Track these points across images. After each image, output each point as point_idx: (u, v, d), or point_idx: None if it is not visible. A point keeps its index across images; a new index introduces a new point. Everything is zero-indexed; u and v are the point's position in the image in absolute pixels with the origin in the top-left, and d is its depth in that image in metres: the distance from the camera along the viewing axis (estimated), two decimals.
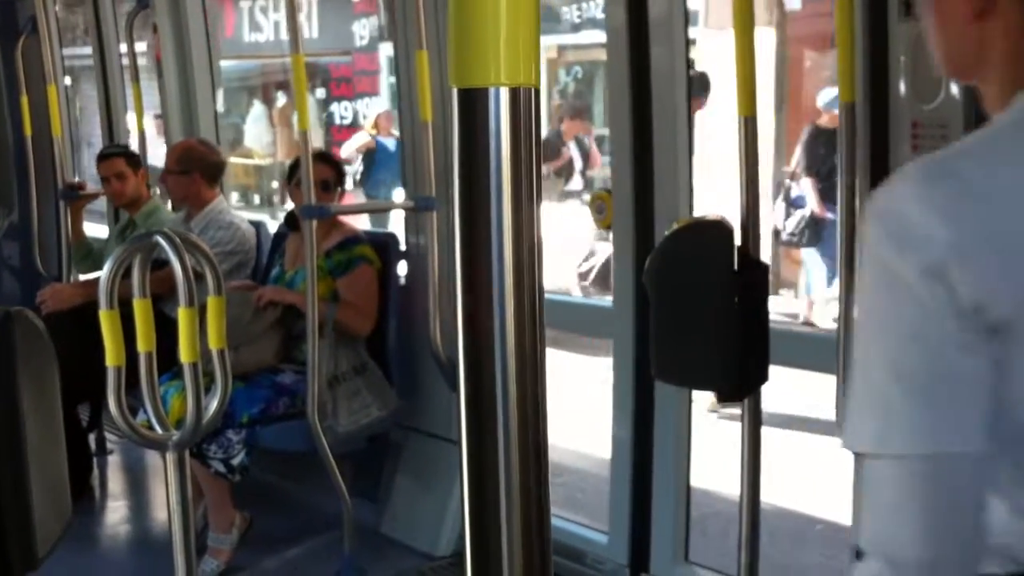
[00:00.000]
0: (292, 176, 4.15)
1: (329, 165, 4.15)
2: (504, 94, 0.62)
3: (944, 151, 1.13)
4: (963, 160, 1.11)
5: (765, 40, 8.77)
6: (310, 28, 12.90)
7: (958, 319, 1.01)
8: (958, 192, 1.06)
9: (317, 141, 12.68)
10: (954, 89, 2.43)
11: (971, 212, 1.05)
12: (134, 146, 5.34)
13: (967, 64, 1.19)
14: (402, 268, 4.29)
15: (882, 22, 2.60)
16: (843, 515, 3.15)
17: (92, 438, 5.20)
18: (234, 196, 6.89)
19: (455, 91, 0.63)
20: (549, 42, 12.08)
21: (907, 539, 1.05)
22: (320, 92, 13.11)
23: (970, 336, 1.02)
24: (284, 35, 12.78)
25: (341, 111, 12.95)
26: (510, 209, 0.63)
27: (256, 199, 12.62)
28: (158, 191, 5.16)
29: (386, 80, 12.42)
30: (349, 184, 12.15)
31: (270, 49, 13.01)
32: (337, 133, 12.79)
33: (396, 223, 5.21)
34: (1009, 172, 1.08)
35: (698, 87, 7.06)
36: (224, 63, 8.68)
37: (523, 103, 0.63)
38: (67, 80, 6.14)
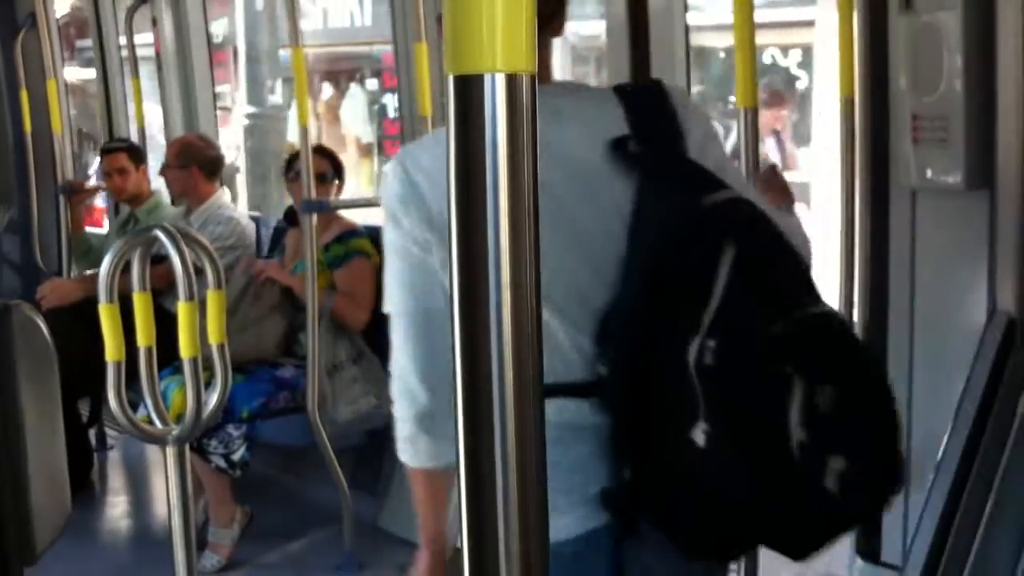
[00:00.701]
0: (289, 170, 4.15)
1: (326, 158, 4.15)
2: (500, 80, 0.62)
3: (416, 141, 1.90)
4: (416, 147, 1.84)
5: None
6: (362, 15, 12.39)
7: (411, 241, 1.71)
8: (409, 167, 1.72)
9: (368, 136, 12.28)
10: (955, 82, 2.43)
11: (412, 180, 1.71)
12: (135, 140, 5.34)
13: None
14: None
15: (882, 15, 2.59)
16: None
17: (92, 433, 5.19)
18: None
19: (451, 78, 0.63)
20: None
21: (409, 370, 1.75)
22: (372, 83, 12.56)
23: (416, 246, 1.70)
24: (332, 23, 12.34)
25: (395, 103, 12.25)
26: (507, 196, 0.63)
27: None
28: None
29: None
30: None
31: (316, 38, 12.49)
32: (390, 126, 12.18)
33: None
34: (436, 150, 1.70)
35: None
36: None
37: (519, 90, 0.62)
38: (91, 72, 6.07)
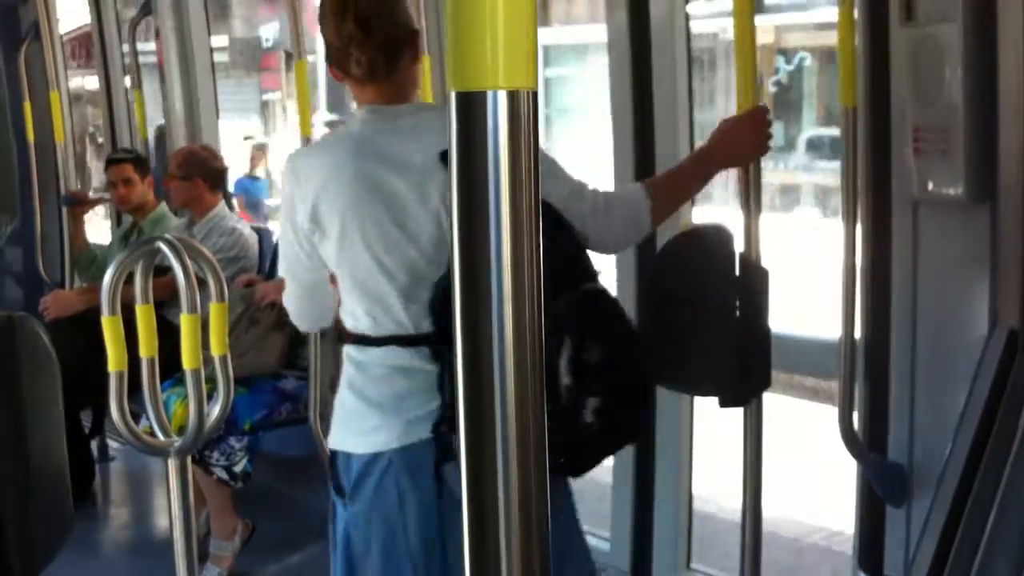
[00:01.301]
0: None
1: None
2: (502, 98, 0.62)
3: (305, 147, 2.76)
4: (304, 152, 2.45)
5: None
6: None
7: (300, 232, 2.25)
8: (299, 170, 2.25)
9: None
10: (955, 94, 2.43)
11: (299, 180, 2.23)
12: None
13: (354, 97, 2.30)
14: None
15: (883, 26, 2.60)
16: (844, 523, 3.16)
17: (94, 444, 5.19)
18: None
19: (453, 95, 0.63)
20: (765, 22, 9.83)
21: (296, 317, 2.46)
22: None
23: (304, 238, 2.25)
24: None
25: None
26: (508, 213, 0.63)
27: None
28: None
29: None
30: None
31: None
32: None
33: None
34: (316, 159, 2.27)
35: None
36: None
37: (521, 107, 0.63)
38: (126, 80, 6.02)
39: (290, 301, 2.41)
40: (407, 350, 2.19)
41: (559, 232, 2.14)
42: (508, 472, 0.67)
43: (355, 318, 2.26)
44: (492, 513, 0.66)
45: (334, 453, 2.31)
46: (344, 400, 2.33)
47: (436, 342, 2.15)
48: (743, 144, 2.33)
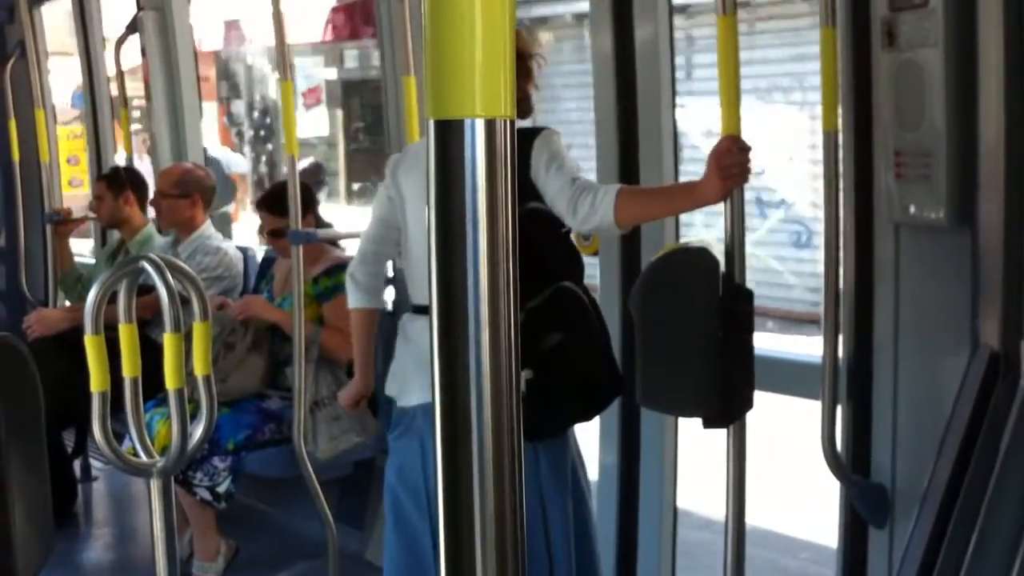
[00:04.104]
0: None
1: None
2: (480, 126, 0.63)
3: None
4: (404, 151, 3.16)
5: None
6: None
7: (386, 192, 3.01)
8: (393, 163, 3.02)
9: None
10: (937, 118, 2.45)
11: (397, 173, 2.97)
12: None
13: None
14: (390, 295, 4.29)
15: (865, 51, 2.62)
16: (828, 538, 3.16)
17: (77, 464, 5.17)
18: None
19: (431, 122, 0.64)
20: None
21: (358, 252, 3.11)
22: None
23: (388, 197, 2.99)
24: None
25: None
26: (486, 240, 0.64)
27: None
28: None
29: None
30: None
31: None
32: None
33: None
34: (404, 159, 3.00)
35: None
36: None
37: (499, 135, 0.64)
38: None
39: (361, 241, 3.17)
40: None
41: (539, 232, 2.58)
42: (484, 489, 0.67)
43: (409, 290, 2.94)
44: (468, 539, 0.67)
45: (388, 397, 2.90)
46: (395, 356, 2.89)
47: None
48: (713, 179, 2.36)
